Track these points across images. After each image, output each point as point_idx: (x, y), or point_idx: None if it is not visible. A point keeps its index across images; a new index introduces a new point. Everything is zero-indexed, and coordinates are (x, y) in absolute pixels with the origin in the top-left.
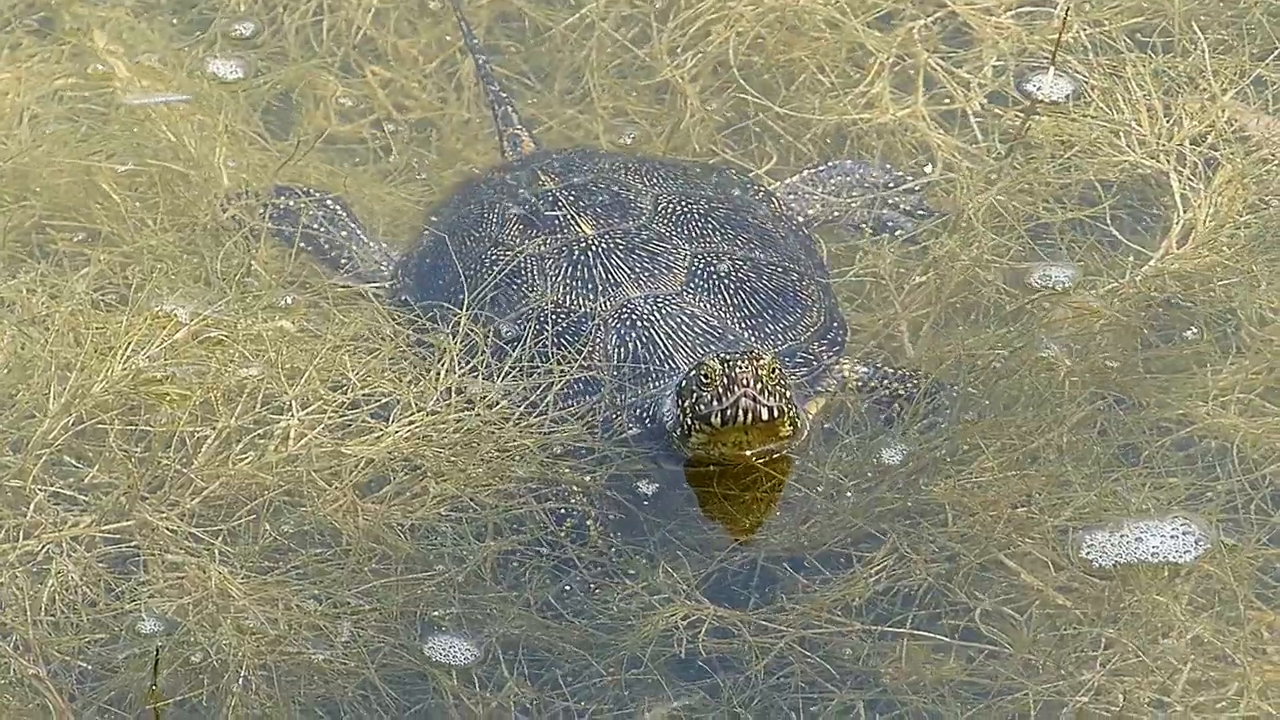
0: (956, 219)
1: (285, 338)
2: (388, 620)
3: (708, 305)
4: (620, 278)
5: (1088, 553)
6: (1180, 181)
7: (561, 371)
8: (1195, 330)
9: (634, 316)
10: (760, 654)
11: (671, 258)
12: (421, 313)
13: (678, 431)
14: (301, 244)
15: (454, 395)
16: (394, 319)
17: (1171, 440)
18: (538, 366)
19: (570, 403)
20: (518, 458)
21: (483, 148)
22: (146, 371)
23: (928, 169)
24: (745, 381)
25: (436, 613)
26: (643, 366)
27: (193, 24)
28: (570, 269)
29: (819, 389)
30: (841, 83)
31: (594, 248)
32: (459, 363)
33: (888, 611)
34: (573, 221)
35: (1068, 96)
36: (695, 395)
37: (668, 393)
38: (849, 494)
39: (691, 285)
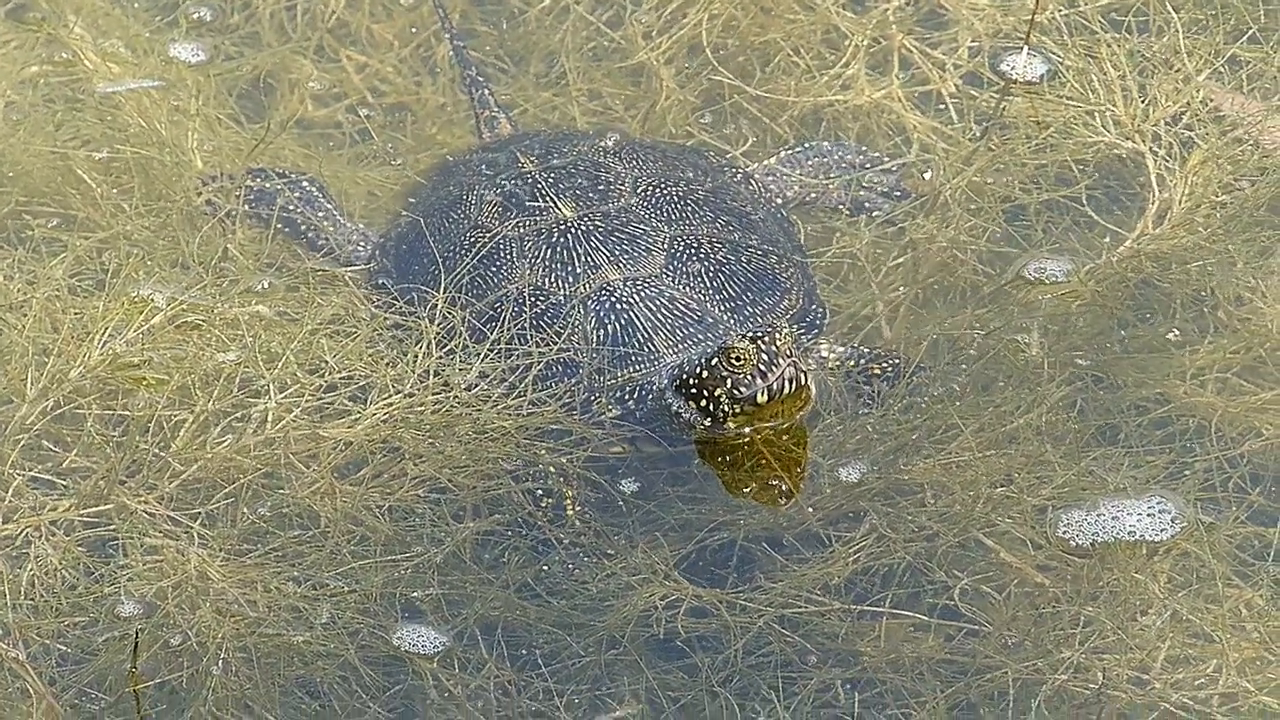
0: (934, 200)
1: (262, 321)
2: (367, 602)
3: (687, 288)
4: (599, 260)
5: (1065, 531)
6: (1156, 162)
7: (540, 354)
8: (1176, 333)
9: (613, 299)
10: (739, 633)
11: (651, 240)
12: (399, 295)
13: (707, 420)
14: (278, 225)
15: (431, 377)
16: (371, 302)
17: (1149, 419)
18: (516, 349)
19: (549, 385)
20: (495, 439)
21: (459, 131)
22: (123, 356)
23: (906, 154)
24: (787, 353)
25: (415, 594)
26: (621, 349)
27: (164, 7)
28: (549, 251)
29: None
30: (817, 64)
31: (573, 230)
32: (436, 345)
33: (866, 590)
34: (552, 204)
35: (1042, 76)
36: (730, 378)
37: (667, 383)
38: (830, 473)
39: (670, 268)
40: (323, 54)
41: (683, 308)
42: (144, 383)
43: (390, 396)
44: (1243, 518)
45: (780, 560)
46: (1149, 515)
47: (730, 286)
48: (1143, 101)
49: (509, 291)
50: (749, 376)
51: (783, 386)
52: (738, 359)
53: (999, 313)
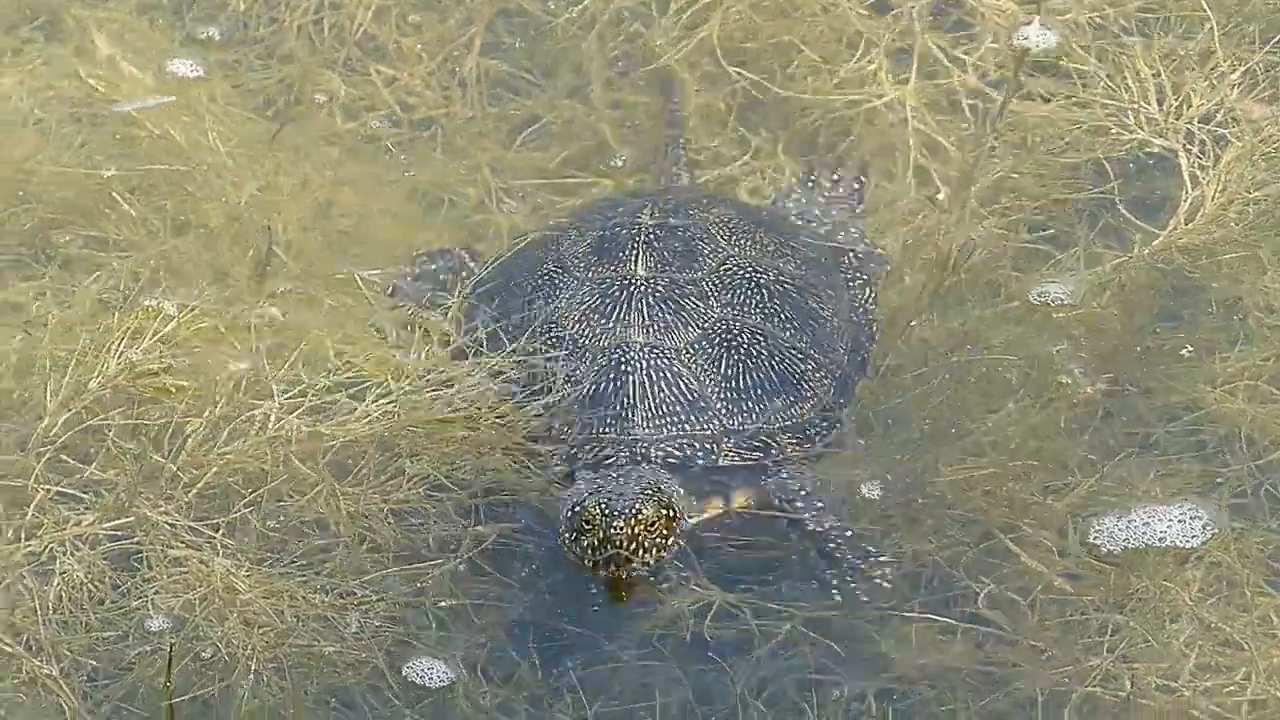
0: (960, 209)
1: (273, 326)
2: (394, 610)
3: (700, 368)
4: (634, 320)
5: (1095, 538)
6: (1189, 160)
7: (532, 375)
8: (1189, 349)
9: (621, 359)
10: (767, 638)
11: (696, 316)
12: (478, 312)
13: (563, 539)
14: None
15: (429, 376)
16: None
17: (1180, 426)
18: (521, 363)
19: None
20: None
21: (487, 143)
22: (140, 365)
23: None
24: (619, 543)
25: (442, 603)
26: (602, 410)
27: (193, 20)
28: (600, 301)
29: (757, 483)
30: (837, 65)
31: (633, 289)
32: (463, 356)
33: (895, 597)
34: (633, 259)
35: (1052, 51)
36: (574, 532)
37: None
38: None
39: (697, 346)
40: (351, 68)
41: (682, 386)
42: (162, 391)
43: (390, 393)
44: (1273, 525)
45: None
46: (1180, 522)
47: (746, 379)
48: (1176, 100)
49: (544, 322)
50: (585, 542)
51: (607, 568)
52: (587, 523)
53: (1025, 315)
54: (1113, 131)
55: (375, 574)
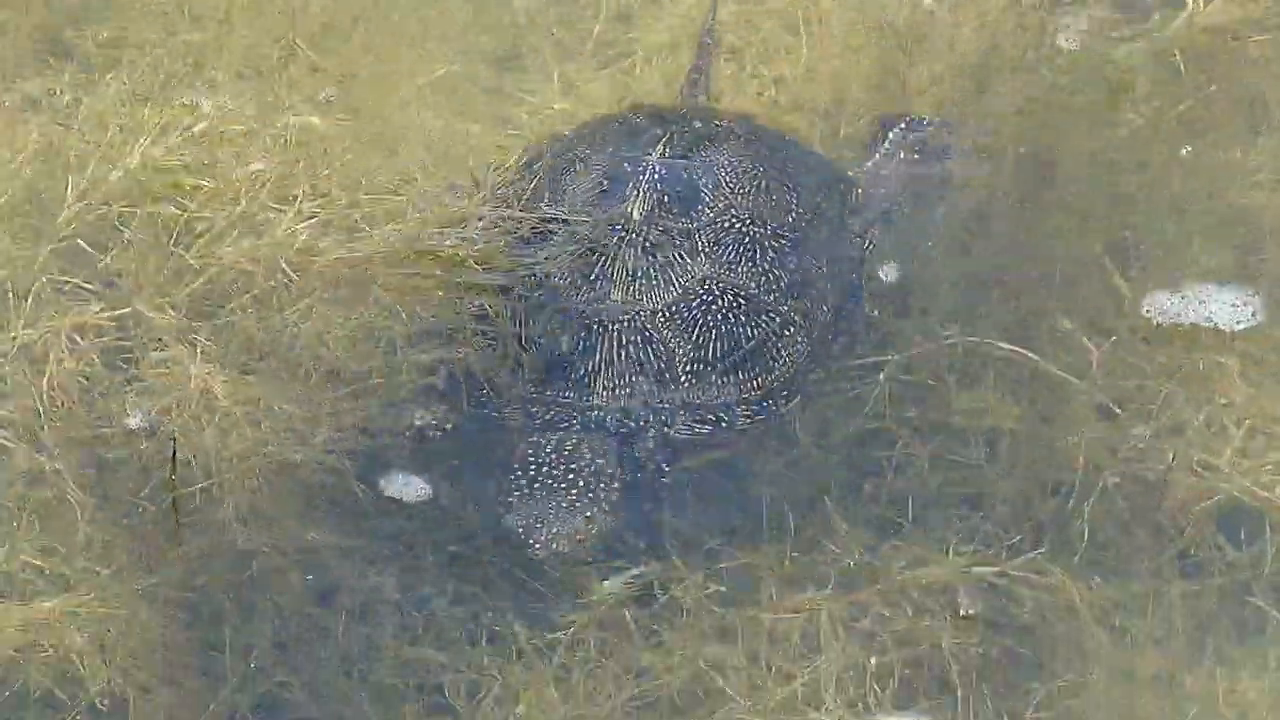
0: None
1: (313, 134)
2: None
3: (672, 335)
4: (617, 274)
5: (1148, 311)
6: None
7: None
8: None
9: (597, 319)
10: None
11: (680, 274)
12: None
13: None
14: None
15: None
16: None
17: (1215, 219)
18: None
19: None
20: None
21: None
22: (162, 160)
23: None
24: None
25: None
26: (566, 368)
27: None
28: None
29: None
30: None
31: (622, 235)
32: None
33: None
34: (633, 199)
35: None
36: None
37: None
38: None
39: (673, 309)
40: None
41: (645, 357)
42: (180, 188)
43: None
44: None
45: None
46: (1231, 306)
47: (714, 349)
48: None
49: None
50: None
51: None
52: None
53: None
54: None
55: (350, 388)
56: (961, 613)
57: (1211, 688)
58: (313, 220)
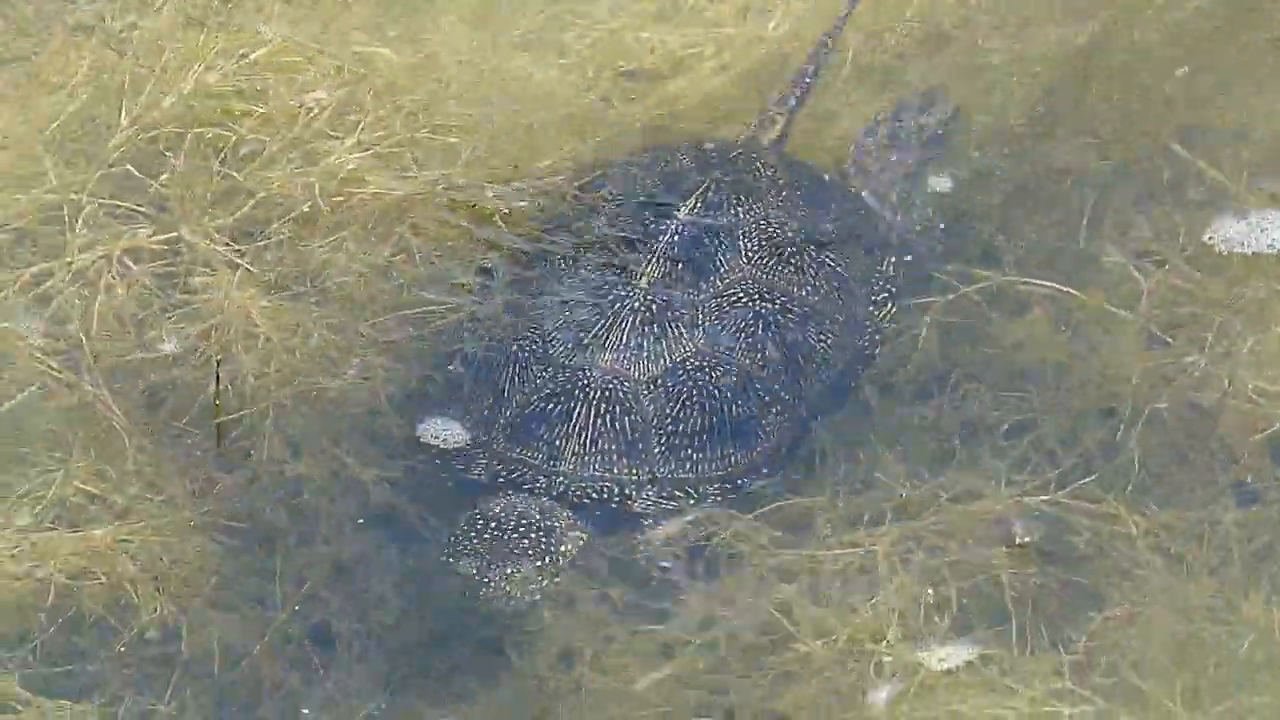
0: None
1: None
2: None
3: (655, 409)
4: (611, 341)
5: (1210, 238)
6: None
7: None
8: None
9: (579, 385)
10: None
11: (674, 345)
12: None
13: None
14: None
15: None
16: None
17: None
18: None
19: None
20: None
21: None
22: (216, 86)
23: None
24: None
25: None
26: (534, 431)
27: None
28: (594, 306)
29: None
30: None
31: (628, 300)
32: None
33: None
34: (648, 263)
35: None
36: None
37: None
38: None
39: (660, 382)
40: None
41: (626, 424)
42: (234, 114)
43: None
44: None
45: None
46: None
47: (694, 424)
48: None
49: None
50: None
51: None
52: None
53: None
54: None
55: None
56: (1017, 541)
57: (1268, 616)
58: (367, 152)
